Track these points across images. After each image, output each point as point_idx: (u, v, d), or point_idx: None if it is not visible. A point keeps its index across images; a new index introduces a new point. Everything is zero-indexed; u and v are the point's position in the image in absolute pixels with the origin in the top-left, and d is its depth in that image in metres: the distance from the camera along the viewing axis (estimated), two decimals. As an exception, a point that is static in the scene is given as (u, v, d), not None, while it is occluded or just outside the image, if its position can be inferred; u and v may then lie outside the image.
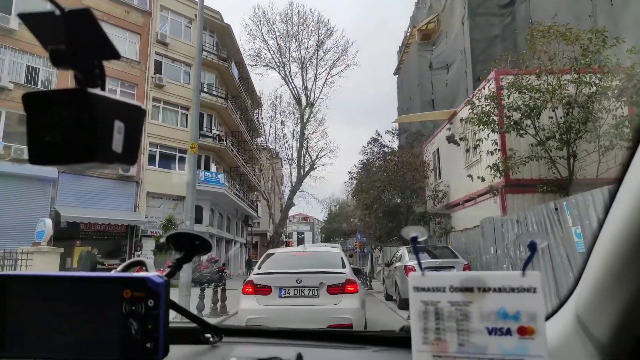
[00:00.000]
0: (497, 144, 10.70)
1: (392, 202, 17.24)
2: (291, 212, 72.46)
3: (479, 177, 11.07)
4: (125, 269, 0.98)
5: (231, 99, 32.33)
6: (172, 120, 27.58)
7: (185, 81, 28.46)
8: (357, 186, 20.95)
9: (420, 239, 0.67)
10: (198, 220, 28.17)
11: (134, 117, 0.52)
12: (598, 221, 0.74)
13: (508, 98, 10.39)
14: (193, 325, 1.06)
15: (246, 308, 5.75)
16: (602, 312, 0.67)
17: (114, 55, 0.51)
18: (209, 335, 1.08)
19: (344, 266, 6.24)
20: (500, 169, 10.12)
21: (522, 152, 11.15)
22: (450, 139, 12.36)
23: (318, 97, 37.74)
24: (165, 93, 27.00)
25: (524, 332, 0.59)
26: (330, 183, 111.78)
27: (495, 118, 10.83)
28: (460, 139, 12.09)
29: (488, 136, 10.97)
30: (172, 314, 0.83)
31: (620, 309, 0.63)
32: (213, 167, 29.79)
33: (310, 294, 5.65)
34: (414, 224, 17.54)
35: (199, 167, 28.28)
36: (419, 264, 0.65)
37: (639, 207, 0.57)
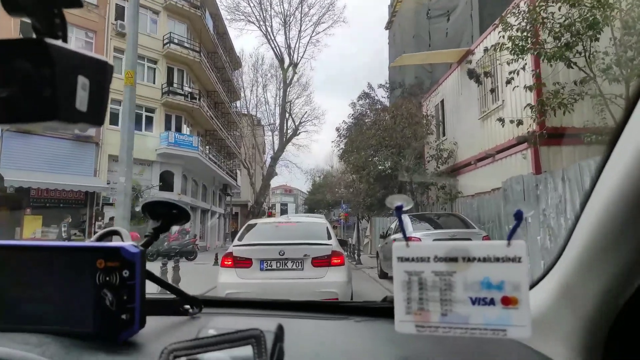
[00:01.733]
0: (539, 75, 7.87)
1: (387, 163, 14.41)
2: (274, 184, 69.97)
3: (513, 121, 8.24)
4: (99, 239, 0.93)
5: (206, 54, 28.82)
6: (137, 75, 24.06)
7: (152, 30, 24.87)
8: (346, 145, 17.95)
9: (405, 208, 0.64)
10: (169, 187, 25.18)
11: (100, 73, 0.48)
12: (587, 188, 0.68)
13: (558, 11, 7.52)
14: (171, 296, 0.98)
15: (225, 282, 5.46)
16: (586, 282, 0.66)
17: (75, 2, 0.46)
18: (188, 306, 0.98)
19: (329, 237, 5.92)
20: (552, 105, 7.29)
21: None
22: (472, 74, 9.56)
23: (302, 57, 34.43)
24: (128, 43, 23.42)
25: (507, 302, 0.58)
26: (315, 154, 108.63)
27: (531, 41, 7.93)
28: (485, 73, 9.28)
29: (525, 68, 8.14)
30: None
31: (604, 279, 0.63)
32: (185, 129, 26.51)
33: (294, 266, 5.43)
34: (412, 189, 14.80)
35: (169, 128, 25.04)
36: (404, 233, 0.63)
37: (628, 179, 0.55)
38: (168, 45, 24.69)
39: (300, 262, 5.44)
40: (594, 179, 0.65)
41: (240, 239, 5.95)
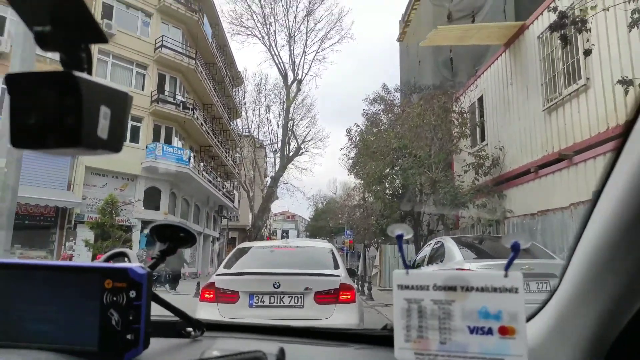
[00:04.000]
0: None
1: (408, 175, 11.01)
2: (276, 210, 66.68)
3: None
4: (107, 260, 0.96)
5: (203, 64, 26.00)
6: (124, 80, 21.11)
7: (143, 33, 22.00)
8: (358, 154, 14.37)
9: (405, 237, 0.64)
10: (155, 205, 21.88)
11: (121, 104, 0.50)
12: (583, 219, 0.68)
13: None
14: (175, 318, 0.97)
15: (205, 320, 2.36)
16: (582, 312, 0.67)
17: (101, 39, 0.48)
18: (190, 329, 0.99)
19: (336, 266, 4.75)
20: None
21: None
22: (561, 25, 6.39)
23: (307, 73, 31.66)
24: (115, 45, 20.50)
25: (504, 331, 0.58)
26: (318, 180, 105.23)
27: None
28: (582, 22, 6.03)
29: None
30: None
31: (599, 309, 0.63)
32: (176, 142, 23.33)
33: (292, 303, 4.34)
34: (441, 208, 11.42)
35: (157, 139, 21.89)
36: (404, 261, 0.64)
37: (618, 214, 0.56)
38: (160, 49, 21.81)
39: (300, 297, 4.38)
40: (590, 207, 0.63)
41: (226, 267, 4.83)
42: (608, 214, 0.58)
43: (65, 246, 18.96)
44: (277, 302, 4.35)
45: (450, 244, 7.31)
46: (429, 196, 12.35)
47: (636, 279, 0.59)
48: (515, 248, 0.59)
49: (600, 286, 0.62)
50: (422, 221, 15.96)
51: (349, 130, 14.52)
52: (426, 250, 8.51)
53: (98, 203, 18.85)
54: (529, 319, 0.80)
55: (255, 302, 4.37)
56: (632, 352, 0.65)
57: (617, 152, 0.58)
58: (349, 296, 4.36)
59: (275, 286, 4.31)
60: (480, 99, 11.70)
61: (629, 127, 0.55)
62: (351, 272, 5.45)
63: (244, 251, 5.29)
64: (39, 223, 18.66)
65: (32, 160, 17.68)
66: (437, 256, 7.54)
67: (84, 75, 0.45)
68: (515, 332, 0.57)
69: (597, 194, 0.62)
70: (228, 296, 4.38)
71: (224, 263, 4.96)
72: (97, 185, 20.39)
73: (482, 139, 11.60)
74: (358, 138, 14.14)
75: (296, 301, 4.35)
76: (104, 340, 0.69)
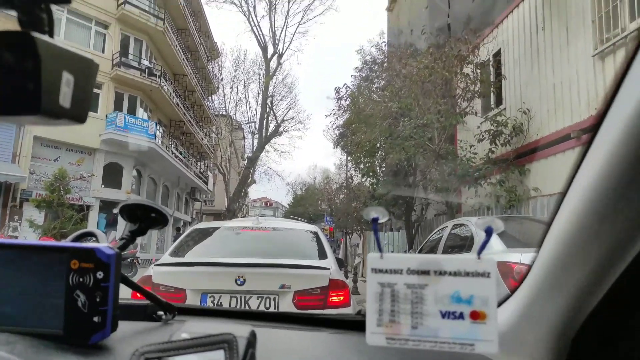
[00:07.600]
0: None
1: (412, 143, 8.97)
2: (254, 195, 64.32)
3: None
4: (75, 240, 0.90)
5: (175, 29, 23.39)
6: (82, 40, 18.44)
7: (103, -13, 19.34)
8: (351, 118, 12.12)
9: (381, 221, 0.62)
10: (116, 183, 19.43)
11: (85, 71, 0.46)
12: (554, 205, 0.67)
13: None
14: (145, 302, 0.93)
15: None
16: (551, 297, 0.68)
17: None
18: (161, 312, 0.94)
19: (323, 255, 3.54)
20: None
21: None
22: None
23: (288, 47, 29.34)
24: (70, -2, 17.81)
25: (476, 316, 0.58)
26: (297, 167, 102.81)
27: None
28: None
29: None
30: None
31: (567, 294, 0.64)
32: (141, 113, 20.78)
33: (262, 307, 3.12)
34: (446, 184, 9.43)
35: (119, 109, 19.34)
36: (379, 244, 0.62)
37: (588, 204, 0.57)
38: (123, 5, 19.15)
39: (274, 298, 3.14)
40: (561, 195, 0.63)
41: (174, 254, 3.49)
42: (578, 203, 0.58)
43: (8, 227, 16.42)
44: (240, 306, 3.28)
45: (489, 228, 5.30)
46: (426, 173, 10.39)
47: (603, 266, 0.59)
48: (489, 232, 0.57)
49: (569, 272, 0.63)
50: (415, 204, 14.03)
51: (337, 91, 12.35)
52: (439, 235, 6.51)
53: (48, 178, 16.36)
54: (500, 304, 0.80)
55: (209, 305, 3.27)
56: (599, 335, 0.66)
57: (588, 144, 0.57)
58: (342, 297, 3.29)
59: (239, 282, 3.20)
60: (497, 54, 9.66)
61: (600, 118, 0.53)
62: (340, 263, 4.16)
63: (203, 233, 4.05)
64: (-23, 199, 16.07)
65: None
66: (461, 243, 5.54)
67: (45, 37, 0.41)
68: (486, 317, 0.56)
69: (568, 184, 0.62)
70: (170, 296, 3.15)
71: (170, 249, 3.69)
72: (48, 158, 17.80)
73: (499, 102, 9.60)
74: (348, 101, 12.03)
75: (267, 305, 3.23)
76: (69, 323, 0.66)
